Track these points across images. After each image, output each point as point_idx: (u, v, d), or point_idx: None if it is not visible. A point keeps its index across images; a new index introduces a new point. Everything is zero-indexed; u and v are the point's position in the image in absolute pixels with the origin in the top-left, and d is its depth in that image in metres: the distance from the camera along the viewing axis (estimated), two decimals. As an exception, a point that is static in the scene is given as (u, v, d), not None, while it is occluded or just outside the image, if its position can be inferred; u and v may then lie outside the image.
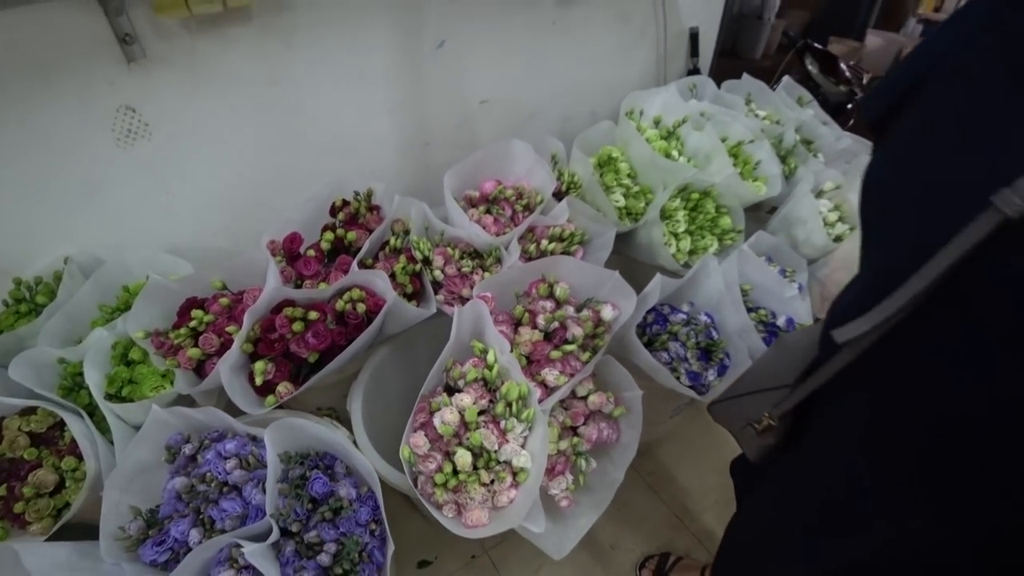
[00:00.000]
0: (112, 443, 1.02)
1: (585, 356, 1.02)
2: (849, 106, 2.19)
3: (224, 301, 1.05)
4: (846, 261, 1.36)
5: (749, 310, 1.20)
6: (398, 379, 1.33)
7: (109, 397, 1.05)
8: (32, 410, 1.04)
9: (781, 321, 1.22)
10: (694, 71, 1.83)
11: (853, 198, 1.44)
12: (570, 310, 1.08)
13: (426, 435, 0.87)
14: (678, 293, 1.23)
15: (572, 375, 0.99)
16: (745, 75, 1.74)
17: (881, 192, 0.54)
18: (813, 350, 0.69)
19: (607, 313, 1.06)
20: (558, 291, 1.08)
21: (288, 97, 1.27)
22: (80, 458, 0.98)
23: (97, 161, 1.14)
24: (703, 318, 1.20)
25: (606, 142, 1.49)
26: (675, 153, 1.44)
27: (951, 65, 0.50)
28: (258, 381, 0.98)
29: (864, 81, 2.22)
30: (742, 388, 0.81)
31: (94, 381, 1.03)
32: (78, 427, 0.99)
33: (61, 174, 1.12)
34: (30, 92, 1.02)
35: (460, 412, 0.87)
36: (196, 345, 1.02)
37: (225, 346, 1.02)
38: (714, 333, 1.18)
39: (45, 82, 1.02)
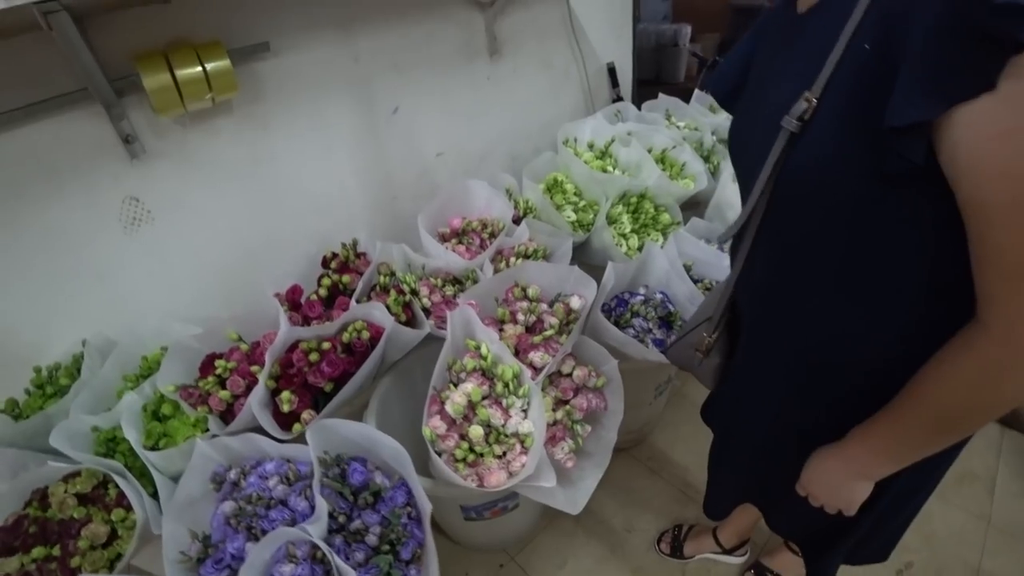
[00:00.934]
0: (152, 495, 1.13)
1: (563, 339, 1.19)
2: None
3: (244, 346, 1.19)
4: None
5: (695, 281, 1.39)
6: (401, 407, 1.47)
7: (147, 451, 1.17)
8: (75, 474, 1.14)
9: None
10: (617, 100, 2.10)
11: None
12: (543, 307, 1.26)
13: (441, 419, 1.02)
14: (633, 280, 1.42)
15: (554, 355, 1.16)
16: (661, 95, 2.01)
17: (730, 138, 0.78)
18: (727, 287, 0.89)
19: (575, 303, 1.24)
20: (530, 291, 1.26)
21: (269, 173, 1.46)
22: (128, 508, 1.08)
23: (107, 249, 1.29)
24: (658, 295, 1.38)
25: (550, 169, 1.71)
26: (610, 168, 1.66)
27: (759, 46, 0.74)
28: (285, 409, 1.11)
29: None
30: (686, 329, 0.98)
31: (132, 438, 1.14)
32: (124, 481, 1.10)
33: (74, 265, 1.26)
34: (45, 194, 1.18)
35: (466, 395, 1.02)
36: (224, 389, 1.15)
37: (250, 386, 1.16)
38: (670, 306, 1.36)
39: (58, 183, 1.18)
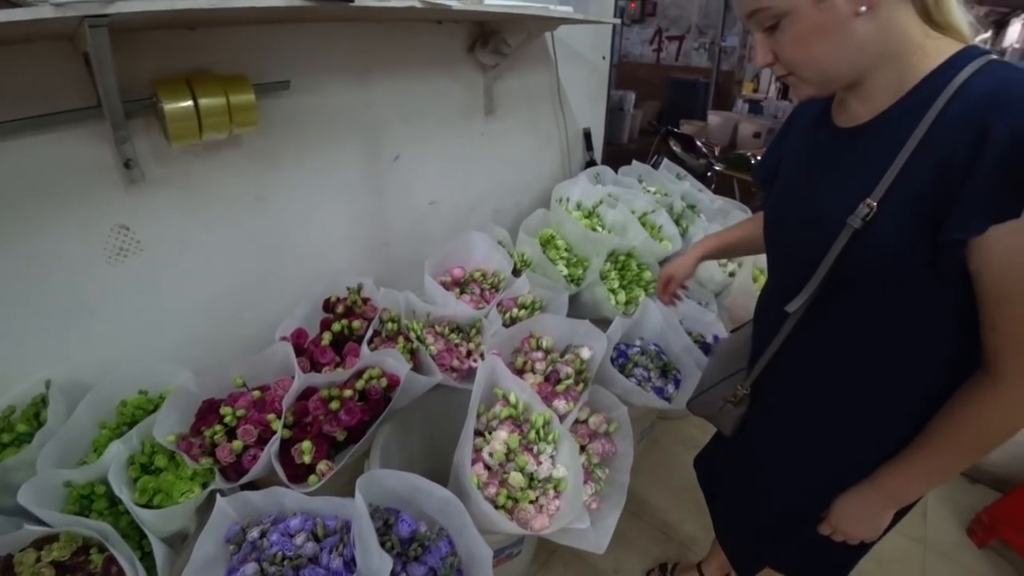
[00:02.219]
0: (140, 558, 1.02)
1: (579, 388, 1.24)
2: (708, 174, 2.75)
3: (256, 394, 1.13)
4: (741, 288, 1.75)
5: (687, 333, 1.51)
6: (401, 454, 1.43)
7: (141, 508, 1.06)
8: (50, 539, 1.01)
9: (710, 339, 1.55)
10: (591, 162, 2.25)
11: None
12: (556, 355, 1.30)
13: (482, 466, 1.02)
14: (628, 333, 1.51)
15: (575, 401, 1.20)
16: (635, 161, 2.18)
17: (769, 225, 0.92)
18: (746, 344, 1.02)
19: (585, 353, 1.30)
20: (545, 342, 1.30)
21: (271, 210, 1.42)
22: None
23: (86, 280, 1.18)
24: (652, 347, 1.48)
25: (542, 225, 1.79)
26: (599, 228, 1.77)
27: (791, 148, 0.91)
28: (307, 460, 1.06)
29: (716, 152, 2.82)
30: (709, 383, 1.08)
31: (125, 496, 1.04)
32: (117, 544, 0.98)
33: (46, 295, 1.15)
34: (24, 213, 1.07)
35: (504, 443, 1.03)
36: (233, 438, 1.08)
37: (262, 436, 1.09)
38: (663, 356, 1.46)
39: (40, 203, 1.08)
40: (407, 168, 1.67)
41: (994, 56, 0.66)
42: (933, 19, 0.69)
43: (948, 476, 0.80)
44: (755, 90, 6.05)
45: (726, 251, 1.28)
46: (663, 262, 1.85)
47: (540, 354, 1.27)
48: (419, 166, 1.70)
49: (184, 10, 0.92)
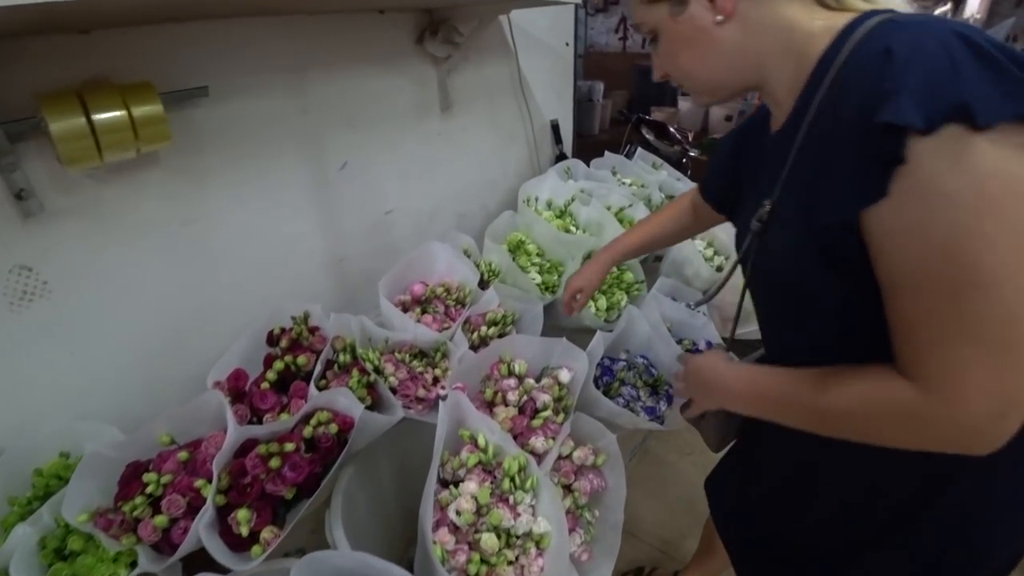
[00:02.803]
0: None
1: (559, 418, 1.09)
2: (684, 160, 2.63)
3: (183, 455, 0.97)
4: (732, 285, 1.61)
5: (677, 341, 1.37)
6: (368, 501, 1.28)
7: (52, 604, 0.90)
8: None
9: (702, 344, 1.41)
10: (561, 156, 2.10)
11: (721, 234, 1.72)
12: (531, 382, 1.16)
13: (448, 530, 0.87)
14: (613, 345, 1.37)
15: (554, 437, 1.06)
16: (607, 152, 2.04)
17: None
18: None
19: (564, 376, 1.16)
20: (517, 367, 1.16)
21: (203, 235, 1.25)
22: None
23: None
24: (639, 360, 1.34)
25: (510, 229, 1.64)
26: (572, 228, 1.63)
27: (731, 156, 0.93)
28: (245, 532, 0.91)
29: (689, 138, 2.70)
30: None
31: (32, 590, 0.88)
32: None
33: None
34: None
35: (473, 498, 0.88)
36: (158, 512, 0.92)
37: (193, 505, 0.94)
38: (653, 371, 1.32)
39: None
40: (357, 176, 1.51)
41: (891, 15, 0.57)
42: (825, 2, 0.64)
43: (789, 422, 0.68)
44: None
45: (639, 250, 1.23)
46: (645, 261, 1.71)
47: (512, 381, 1.12)
48: (371, 173, 1.54)
49: (56, 2, 0.75)
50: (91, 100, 0.98)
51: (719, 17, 0.66)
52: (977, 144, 0.48)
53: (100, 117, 0.98)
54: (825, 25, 0.62)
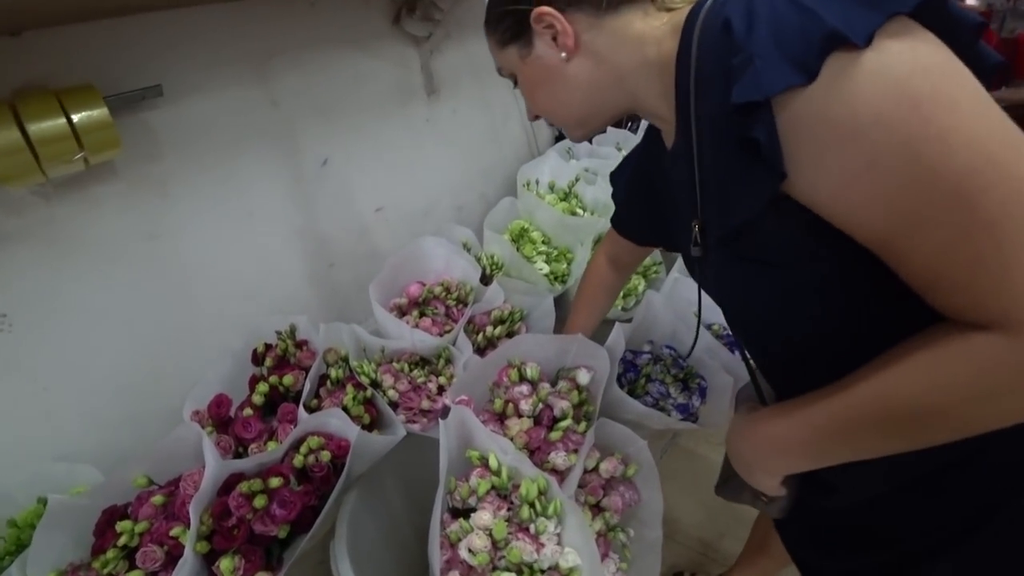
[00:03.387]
0: None
1: (581, 427, 0.97)
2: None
3: (157, 499, 0.86)
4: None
5: (707, 327, 1.23)
6: (376, 525, 1.17)
7: None
8: None
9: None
10: (561, 135, 1.96)
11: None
12: (546, 387, 1.03)
13: (460, 572, 0.75)
14: (634, 337, 1.23)
15: (576, 450, 0.93)
16: (609, 128, 1.89)
17: None
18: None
19: (583, 377, 1.03)
20: (529, 371, 1.03)
21: (172, 250, 1.14)
22: None
23: None
24: (665, 352, 1.20)
25: (511, 217, 1.51)
26: (579, 210, 1.49)
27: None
28: (229, 583, 0.80)
29: None
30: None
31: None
32: None
33: None
34: None
35: (487, 532, 0.76)
36: (134, 566, 0.81)
37: (172, 555, 0.83)
38: (682, 362, 1.18)
39: None
40: (340, 172, 1.38)
41: None
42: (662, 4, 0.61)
43: (854, 453, 0.56)
44: None
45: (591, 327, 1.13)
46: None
47: (525, 388, 0.99)
48: (355, 168, 1.41)
49: None
50: (24, 109, 0.87)
51: (563, 54, 0.65)
52: (869, 59, 0.42)
53: (36, 127, 0.87)
54: (670, 25, 0.59)
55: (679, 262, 1.40)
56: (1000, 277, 0.41)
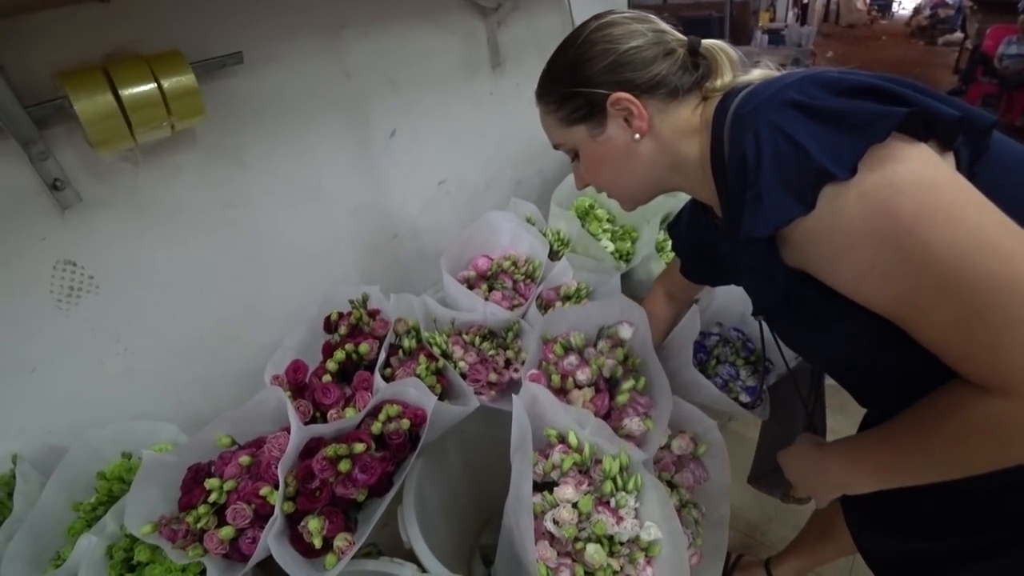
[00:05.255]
0: None
1: (640, 384, 0.96)
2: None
3: (244, 460, 0.89)
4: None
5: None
6: (437, 490, 1.19)
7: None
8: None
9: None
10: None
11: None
12: (591, 351, 1.03)
13: (547, 542, 0.76)
14: (703, 319, 1.21)
15: (648, 414, 0.93)
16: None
17: None
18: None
19: (625, 332, 1.03)
20: (574, 340, 1.02)
21: (245, 219, 1.16)
22: None
23: (35, 333, 0.97)
24: (733, 334, 1.18)
25: (576, 193, 1.49)
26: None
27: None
28: (317, 543, 0.82)
29: None
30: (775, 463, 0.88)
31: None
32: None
33: None
34: None
35: (574, 508, 0.77)
36: (224, 522, 0.84)
37: (260, 513, 0.86)
38: (751, 345, 1.16)
39: None
40: (406, 144, 1.38)
41: (743, 95, 0.60)
42: (706, 89, 0.69)
43: (904, 479, 0.64)
44: (772, 19, 5.55)
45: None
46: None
47: (574, 358, 0.99)
48: (420, 140, 1.41)
49: None
50: (117, 74, 0.89)
51: (636, 136, 0.69)
52: (855, 185, 0.50)
53: (128, 92, 0.89)
54: (703, 120, 0.66)
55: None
56: (992, 354, 0.49)
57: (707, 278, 1.01)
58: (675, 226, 1.01)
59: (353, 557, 0.87)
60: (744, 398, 1.08)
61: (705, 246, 0.90)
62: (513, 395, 0.90)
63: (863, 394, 0.75)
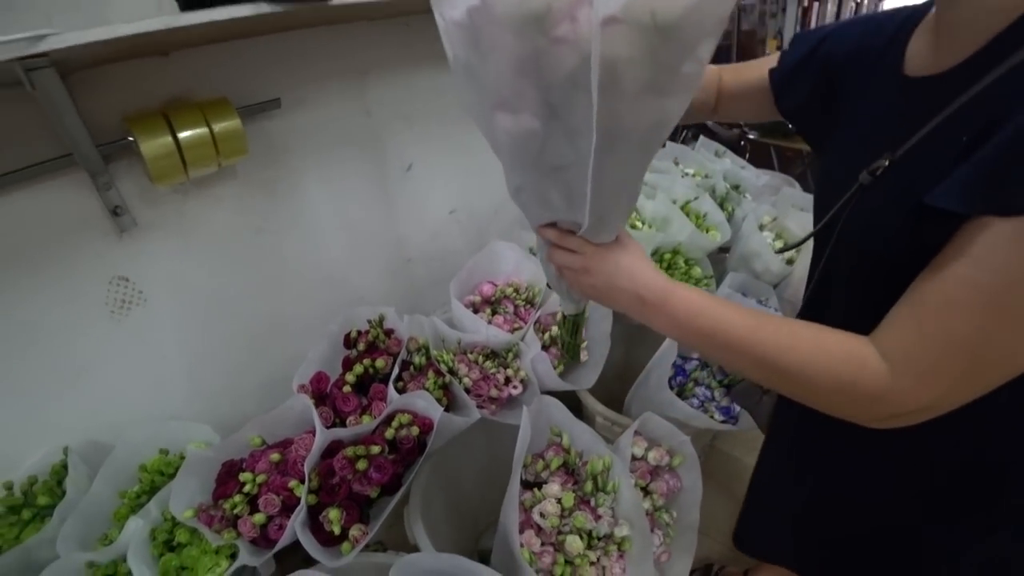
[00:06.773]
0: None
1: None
2: (742, 143, 2.52)
3: (275, 457, 1.02)
4: (803, 279, 1.55)
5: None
6: (441, 497, 1.32)
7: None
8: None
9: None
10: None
11: (790, 224, 1.65)
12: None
13: (533, 532, 0.89)
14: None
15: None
16: (667, 142, 1.98)
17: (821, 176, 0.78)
18: None
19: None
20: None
21: (273, 243, 1.30)
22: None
23: (91, 338, 1.10)
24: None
25: (573, 224, 1.62)
26: (638, 223, 1.59)
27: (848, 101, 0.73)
28: (336, 530, 0.95)
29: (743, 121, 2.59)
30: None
31: (145, 577, 0.95)
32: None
33: (51, 359, 1.07)
34: (15, 278, 0.99)
35: (558, 502, 0.90)
36: (256, 510, 0.97)
37: (287, 504, 0.98)
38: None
39: (31, 264, 1.00)
40: (420, 176, 1.52)
41: None
42: None
43: (713, 354, 0.63)
44: (780, 46, 5.67)
45: None
46: (709, 254, 1.67)
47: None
48: (433, 172, 1.55)
49: (143, 34, 0.79)
50: (175, 119, 1.03)
51: None
52: None
53: (185, 135, 1.03)
54: None
55: (728, 279, 1.49)
56: (941, 362, 0.50)
57: (788, 99, 0.81)
58: (801, 37, 0.81)
59: (363, 550, 0.99)
60: (719, 416, 1.20)
61: (827, 74, 0.75)
62: (524, 406, 1.02)
63: (864, 297, 0.67)
